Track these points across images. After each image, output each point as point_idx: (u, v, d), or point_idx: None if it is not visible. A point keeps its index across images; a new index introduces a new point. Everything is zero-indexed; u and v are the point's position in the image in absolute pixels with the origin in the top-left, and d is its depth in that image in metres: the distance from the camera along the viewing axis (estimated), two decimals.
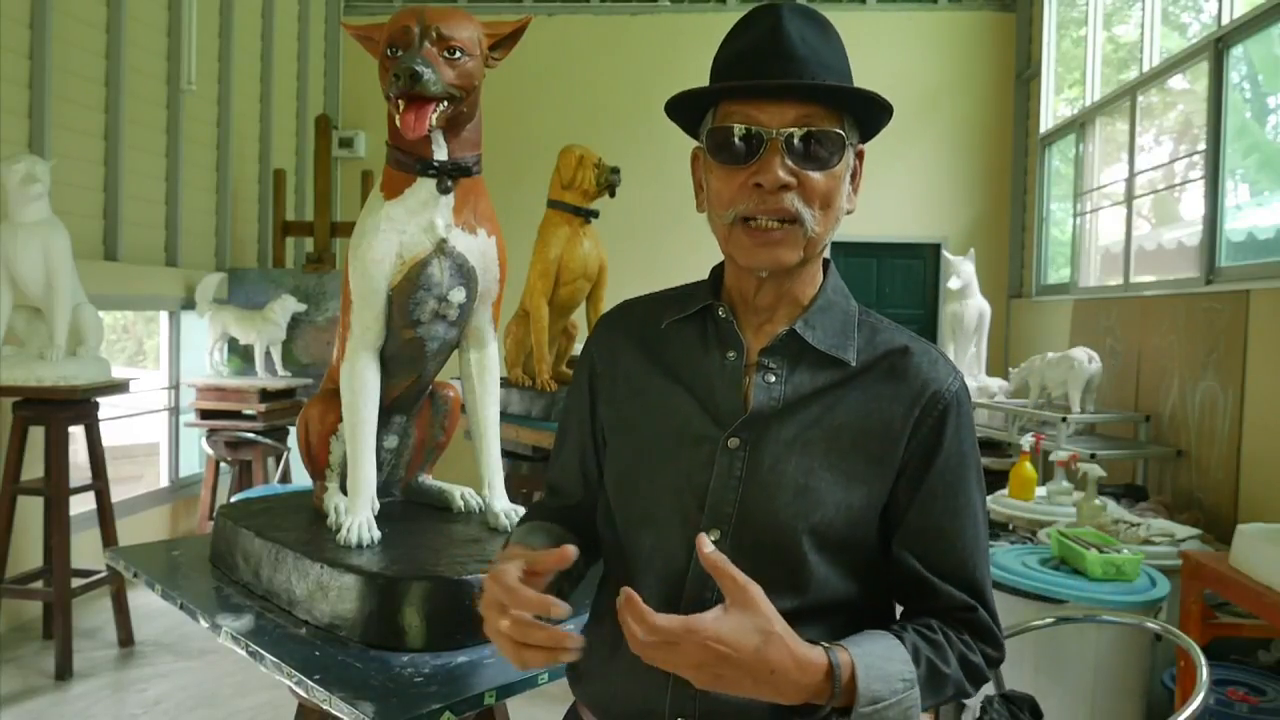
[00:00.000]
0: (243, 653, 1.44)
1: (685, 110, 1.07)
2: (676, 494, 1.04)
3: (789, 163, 0.98)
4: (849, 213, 1.06)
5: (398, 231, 1.67)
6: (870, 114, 1.03)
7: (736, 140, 1.00)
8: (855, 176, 1.06)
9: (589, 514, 1.20)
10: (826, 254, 1.11)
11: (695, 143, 1.09)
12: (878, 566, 1.06)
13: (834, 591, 1.03)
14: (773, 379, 1.05)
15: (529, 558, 1.00)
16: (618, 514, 1.11)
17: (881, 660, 0.95)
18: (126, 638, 3.84)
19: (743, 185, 1.00)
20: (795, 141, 0.98)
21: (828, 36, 1.02)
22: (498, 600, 0.97)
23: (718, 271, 1.14)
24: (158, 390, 5.33)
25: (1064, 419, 4.17)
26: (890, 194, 6.45)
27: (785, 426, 1.03)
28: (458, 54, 1.59)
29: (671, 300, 1.15)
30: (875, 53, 6.31)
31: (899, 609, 1.11)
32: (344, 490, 1.77)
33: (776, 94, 0.99)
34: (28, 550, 3.88)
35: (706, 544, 0.93)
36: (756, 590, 0.91)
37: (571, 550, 0.97)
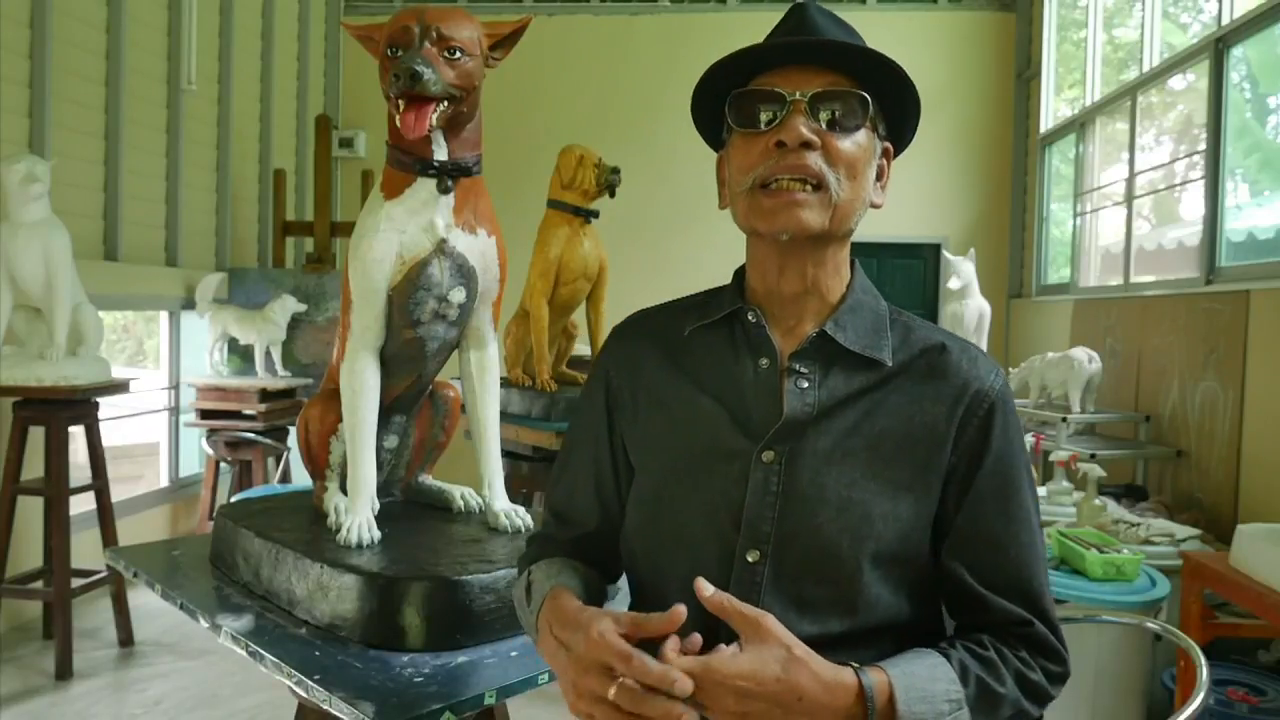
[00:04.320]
0: (243, 653, 1.44)
1: (708, 112, 1.05)
2: (710, 514, 0.98)
3: (812, 123, 0.96)
4: (876, 206, 1.04)
5: (398, 231, 1.67)
6: (897, 103, 1.02)
7: (759, 105, 0.97)
8: (882, 174, 1.04)
9: (606, 542, 1.13)
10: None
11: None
12: (930, 582, 1.00)
13: (886, 611, 0.96)
14: (805, 384, 0.99)
15: (632, 620, 0.89)
16: (646, 538, 1.04)
17: (924, 680, 0.89)
18: (126, 638, 3.84)
19: (764, 148, 0.97)
20: (820, 105, 0.96)
21: (853, 35, 1.03)
22: (602, 663, 0.86)
23: (741, 274, 1.09)
24: (158, 390, 5.33)
25: (1064, 419, 4.17)
26: (890, 194, 6.40)
27: (822, 435, 0.97)
28: (458, 54, 1.59)
29: (691, 307, 1.10)
30: None
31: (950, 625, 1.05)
32: (344, 490, 1.77)
33: (800, 59, 0.98)
34: (28, 550, 3.88)
35: (706, 587, 0.87)
36: (769, 620, 0.87)
37: (682, 611, 0.87)
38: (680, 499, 1.01)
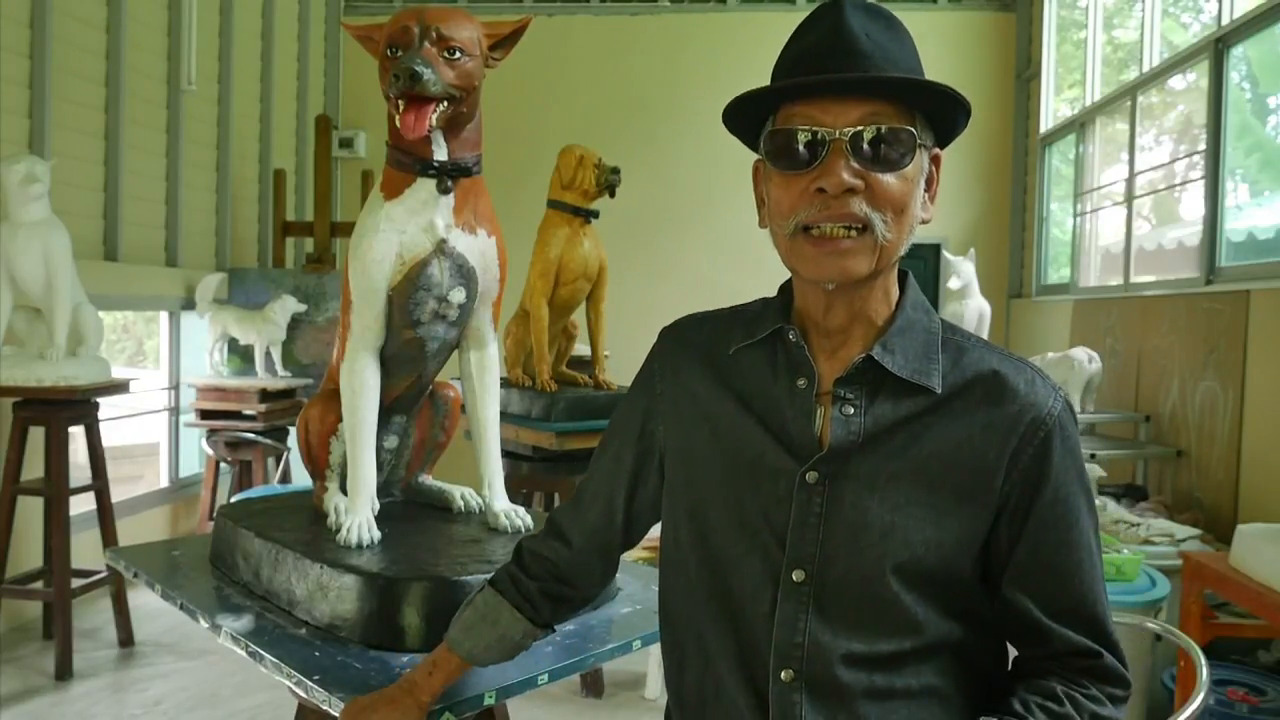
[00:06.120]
0: (243, 653, 1.44)
1: (743, 119, 0.99)
2: (753, 533, 0.98)
3: (855, 164, 0.90)
4: (925, 222, 0.98)
5: (398, 231, 1.66)
6: (944, 112, 0.95)
7: (797, 143, 0.91)
8: (932, 183, 0.98)
9: (590, 557, 1.17)
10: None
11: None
12: (980, 604, 0.99)
13: (937, 631, 0.95)
14: (851, 411, 0.96)
15: None
16: (687, 551, 1.04)
17: None
18: (126, 638, 3.84)
19: (804, 191, 0.92)
20: (862, 142, 0.90)
21: (895, 31, 0.95)
22: None
23: (787, 289, 1.05)
24: (158, 390, 5.33)
25: None
26: None
27: (867, 460, 0.95)
28: (458, 54, 1.59)
29: (739, 321, 1.07)
30: None
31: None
32: (344, 490, 1.77)
33: (839, 91, 0.91)
34: (28, 550, 3.88)
35: None
36: None
37: None
38: (724, 516, 1.01)
